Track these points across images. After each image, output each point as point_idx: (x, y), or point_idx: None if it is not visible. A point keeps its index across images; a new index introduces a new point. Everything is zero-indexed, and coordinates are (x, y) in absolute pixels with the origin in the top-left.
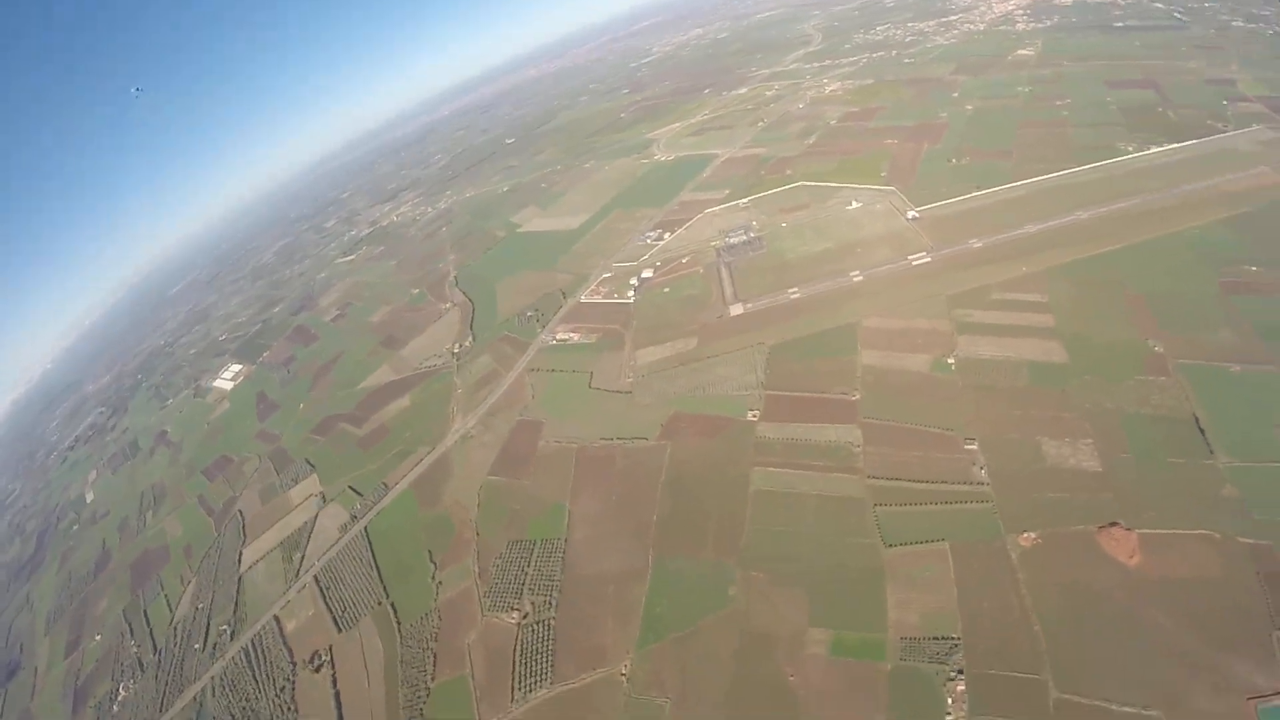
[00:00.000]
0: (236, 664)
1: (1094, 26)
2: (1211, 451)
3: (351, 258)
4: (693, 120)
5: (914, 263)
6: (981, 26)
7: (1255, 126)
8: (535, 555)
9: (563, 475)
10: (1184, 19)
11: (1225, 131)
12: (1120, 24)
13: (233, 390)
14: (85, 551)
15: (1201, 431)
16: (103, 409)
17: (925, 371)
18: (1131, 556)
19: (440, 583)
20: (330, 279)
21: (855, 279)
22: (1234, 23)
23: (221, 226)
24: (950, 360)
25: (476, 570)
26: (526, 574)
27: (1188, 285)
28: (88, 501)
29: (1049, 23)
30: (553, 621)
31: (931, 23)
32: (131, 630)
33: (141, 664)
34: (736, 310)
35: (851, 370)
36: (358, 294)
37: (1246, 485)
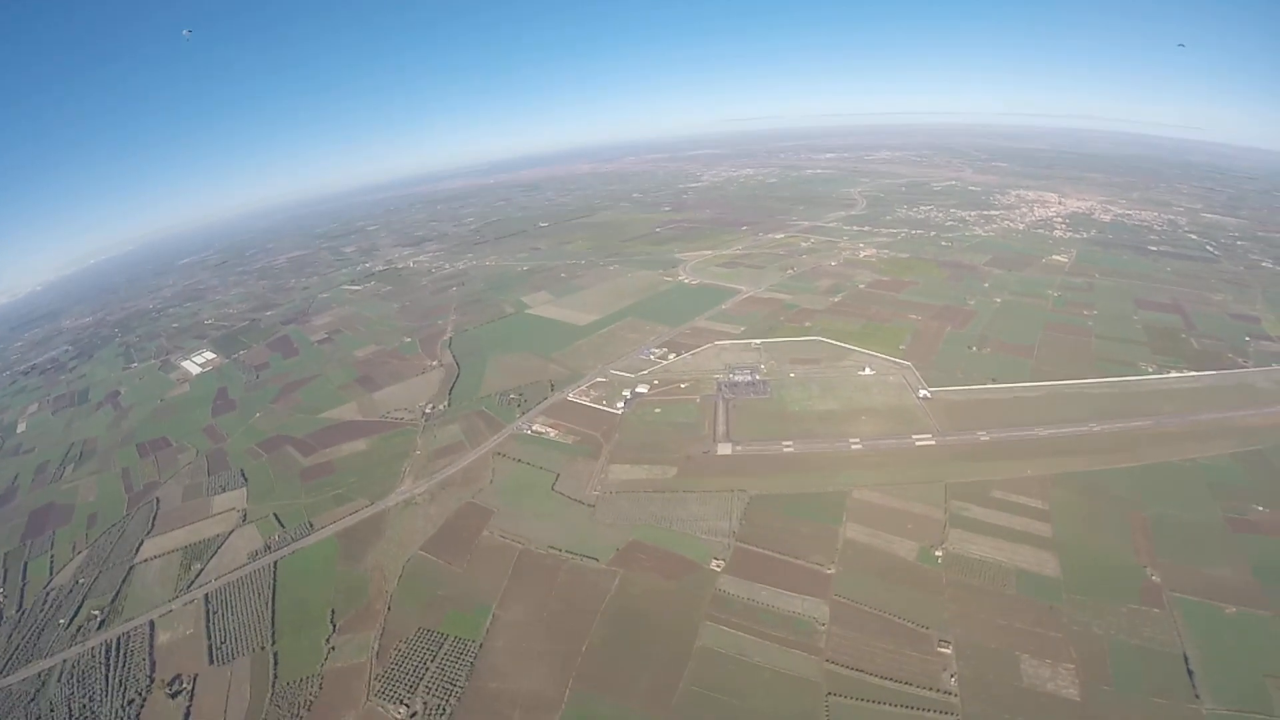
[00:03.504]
0: (94, 656)
1: (1128, 246)
2: (1197, 695)
3: (358, 288)
4: (725, 252)
5: (917, 442)
6: (1021, 226)
7: (1275, 366)
8: (443, 651)
9: (498, 573)
10: (1216, 252)
11: (1245, 366)
12: (1154, 248)
13: (198, 376)
14: None
15: (1190, 672)
16: (69, 348)
17: (910, 559)
18: None
19: (334, 648)
20: (330, 301)
21: (854, 446)
22: (1264, 263)
23: (248, 218)
24: (938, 552)
25: (376, 647)
26: (428, 669)
27: (1192, 515)
28: (18, 432)
29: (1085, 235)
30: None
31: (973, 213)
32: (5, 578)
33: (0, 616)
34: (724, 449)
35: (832, 541)
36: (351, 324)
37: None
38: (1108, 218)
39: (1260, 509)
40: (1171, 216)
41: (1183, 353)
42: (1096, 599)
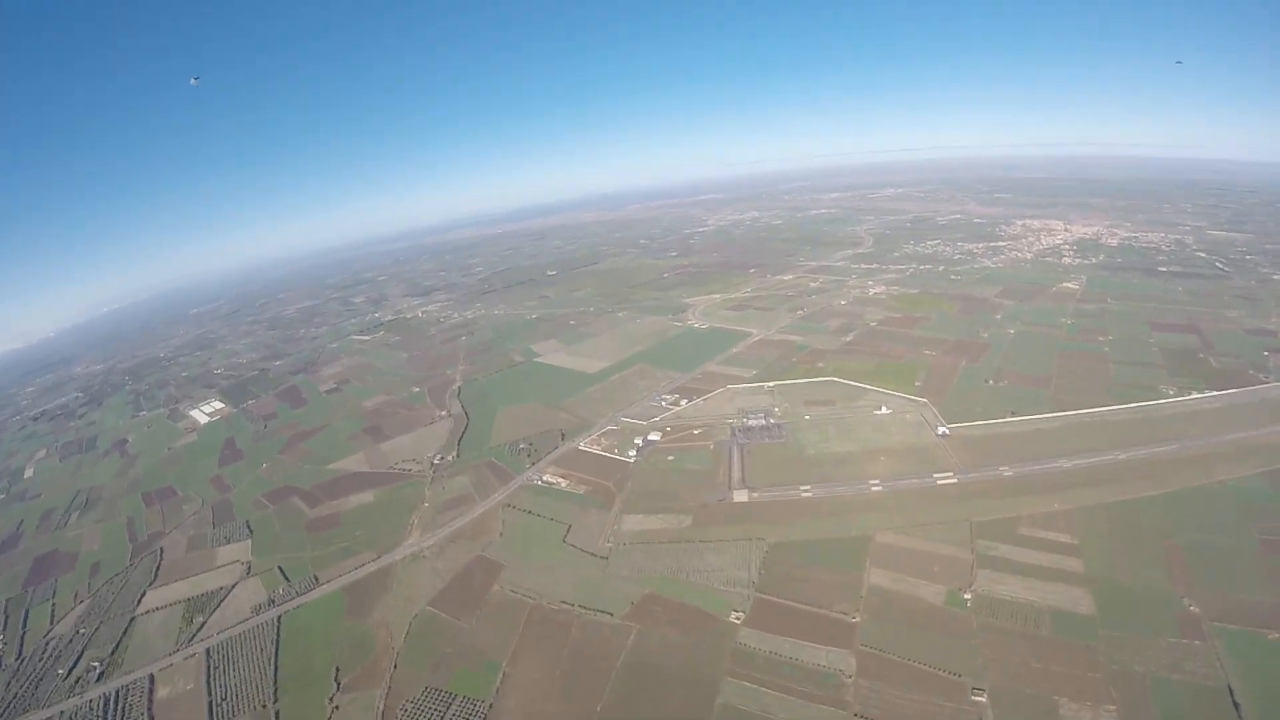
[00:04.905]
0: (91, 709)
1: (1138, 269)
2: None
3: (367, 338)
4: (733, 295)
5: (939, 481)
6: (1029, 255)
7: None
8: (451, 711)
9: (508, 630)
10: (1226, 269)
11: (1267, 382)
12: (1164, 269)
13: (206, 425)
14: None
15: (1236, 705)
16: (80, 395)
17: (938, 604)
18: None
19: (337, 707)
20: (339, 351)
21: (874, 488)
22: (1275, 276)
23: (260, 268)
24: (967, 595)
25: (381, 708)
26: None
27: (1226, 540)
28: (25, 477)
29: (1094, 260)
30: None
31: (980, 245)
32: (5, 625)
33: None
34: (741, 496)
35: (856, 588)
36: (360, 374)
37: None
38: (1115, 241)
39: None
40: (1178, 236)
41: (1202, 373)
42: (1134, 634)
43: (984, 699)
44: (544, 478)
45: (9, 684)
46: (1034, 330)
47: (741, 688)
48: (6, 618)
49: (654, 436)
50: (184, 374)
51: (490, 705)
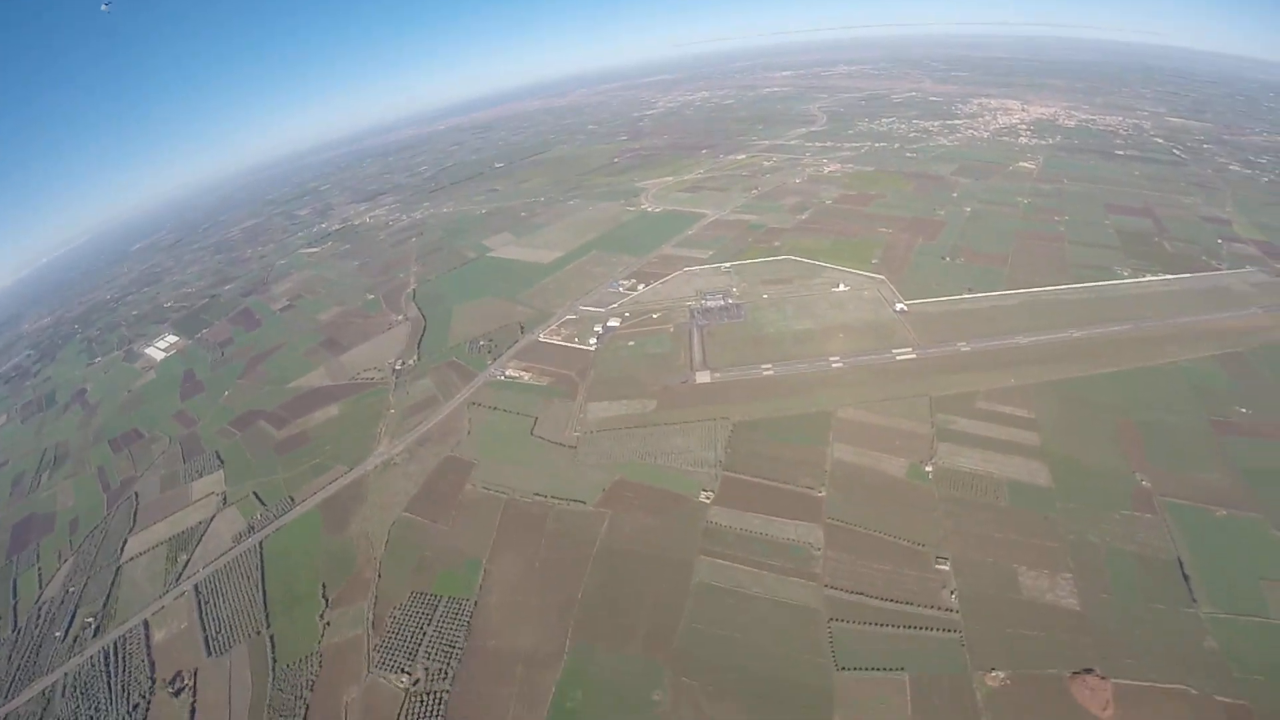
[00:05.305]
0: (94, 665)
1: (1095, 151)
2: (1194, 599)
3: (315, 250)
4: (686, 177)
5: (898, 357)
6: (985, 134)
7: (1248, 268)
8: (439, 613)
9: (485, 527)
10: (1183, 156)
11: (1219, 269)
12: (1121, 152)
13: (163, 361)
14: None
15: (1185, 577)
16: (31, 352)
17: (900, 476)
18: (1105, 708)
19: (329, 623)
20: (289, 267)
21: (834, 365)
22: (1231, 166)
23: (198, 193)
24: (928, 468)
25: (371, 617)
26: (425, 633)
27: (1178, 419)
28: None
29: (1051, 141)
30: (446, 695)
31: (936, 123)
32: None
33: None
34: (703, 378)
35: (820, 463)
36: (312, 288)
37: (1227, 639)
38: (1072, 123)
39: (1243, 411)
40: (1136, 121)
41: (1156, 256)
42: (1089, 507)
43: (947, 567)
44: (506, 373)
45: (10, 656)
46: (990, 209)
47: (715, 565)
48: None
49: (613, 323)
50: (134, 313)
51: (475, 602)
